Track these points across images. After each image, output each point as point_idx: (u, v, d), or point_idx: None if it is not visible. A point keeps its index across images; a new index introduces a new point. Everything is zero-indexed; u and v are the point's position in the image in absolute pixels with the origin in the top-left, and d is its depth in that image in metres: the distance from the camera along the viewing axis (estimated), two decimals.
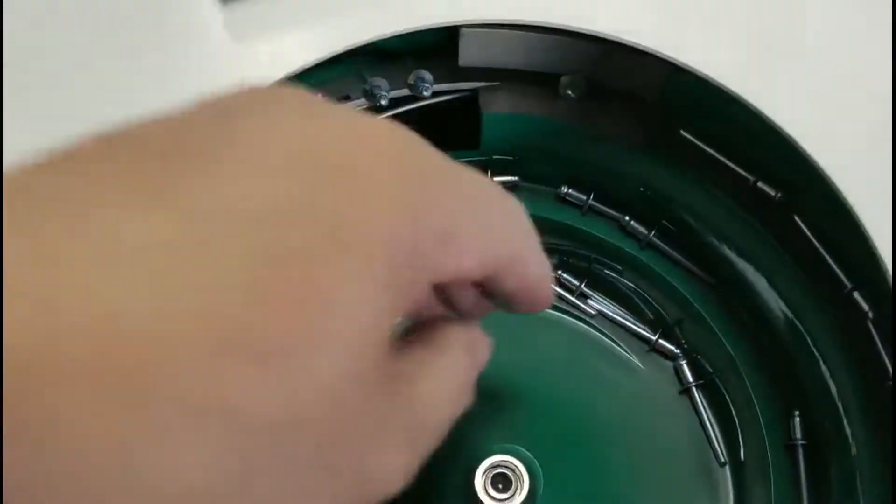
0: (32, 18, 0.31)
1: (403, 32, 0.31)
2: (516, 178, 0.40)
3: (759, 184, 0.34)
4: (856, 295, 0.32)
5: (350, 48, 0.30)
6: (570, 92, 0.36)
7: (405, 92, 0.37)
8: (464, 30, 0.33)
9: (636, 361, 0.39)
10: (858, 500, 0.32)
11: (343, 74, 0.35)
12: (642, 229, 0.39)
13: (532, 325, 0.39)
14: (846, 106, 0.31)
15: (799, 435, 0.35)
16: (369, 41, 0.30)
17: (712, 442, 0.38)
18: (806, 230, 0.34)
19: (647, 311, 0.40)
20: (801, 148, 0.30)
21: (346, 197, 0.14)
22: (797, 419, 0.35)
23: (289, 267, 0.13)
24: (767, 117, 0.30)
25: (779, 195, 0.34)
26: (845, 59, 0.31)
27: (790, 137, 0.30)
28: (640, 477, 0.37)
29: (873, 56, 0.31)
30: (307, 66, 0.31)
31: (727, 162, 0.35)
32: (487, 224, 0.18)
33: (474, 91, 0.37)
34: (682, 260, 0.39)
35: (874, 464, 0.32)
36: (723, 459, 0.37)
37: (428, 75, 0.36)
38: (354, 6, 0.31)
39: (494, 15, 0.31)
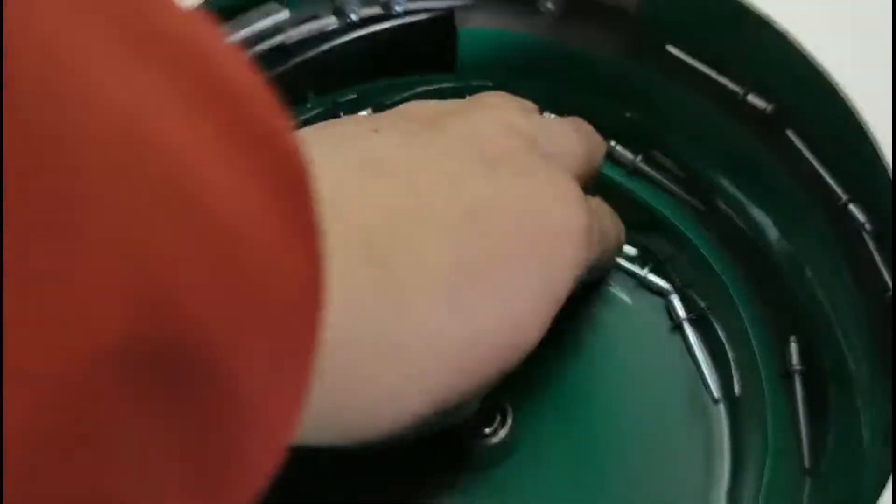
0: None
1: None
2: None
3: (750, 97, 0.33)
4: (851, 207, 0.30)
5: None
6: (549, 5, 0.34)
7: (377, 11, 0.35)
8: None
9: (624, 297, 0.38)
10: (860, 427, 0.31)
11: None
12: (628, 154, 0.37)
13: None
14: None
15: (795, 362, 0.33)
16: None
17: (705, 378, 0.36)
18: (799, 144, 0.32)
19: (634, 242, 0.38)
20: (797, 44, 0.29)
21: None
22: (793, 345, 0.34)
23: None
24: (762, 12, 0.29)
25: (770, 107, 0.32)
26: None
27: (785, 32, 0.29)
28: (631, 417, 0.35)
29: None
30: None
31: (716, 76, 0.33)
32: None
33: (449, 9, 0.35)
34: (671, 186, 0.37)
35: (875, 386, 0.30)
36: (716, 396, 0.35)
37: None
38: None
39: None
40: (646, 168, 0.37)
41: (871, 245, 0.30)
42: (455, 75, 0.37)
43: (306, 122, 0.36)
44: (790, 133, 0.32)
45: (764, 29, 0.29)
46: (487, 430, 0.33)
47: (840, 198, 0.31)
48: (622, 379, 0.36)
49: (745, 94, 0.33)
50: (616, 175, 0.37)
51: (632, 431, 0.35)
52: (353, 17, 0.34)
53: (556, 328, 0.36)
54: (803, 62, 0.29)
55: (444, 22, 0.35)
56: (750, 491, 0.33)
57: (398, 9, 0.34)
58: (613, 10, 0.34)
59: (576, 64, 0.36)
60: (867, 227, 0.30)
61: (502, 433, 0.33)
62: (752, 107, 0.33)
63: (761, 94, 0.32)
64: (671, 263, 0.37)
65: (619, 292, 0.38)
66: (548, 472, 0.34)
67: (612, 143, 0.37)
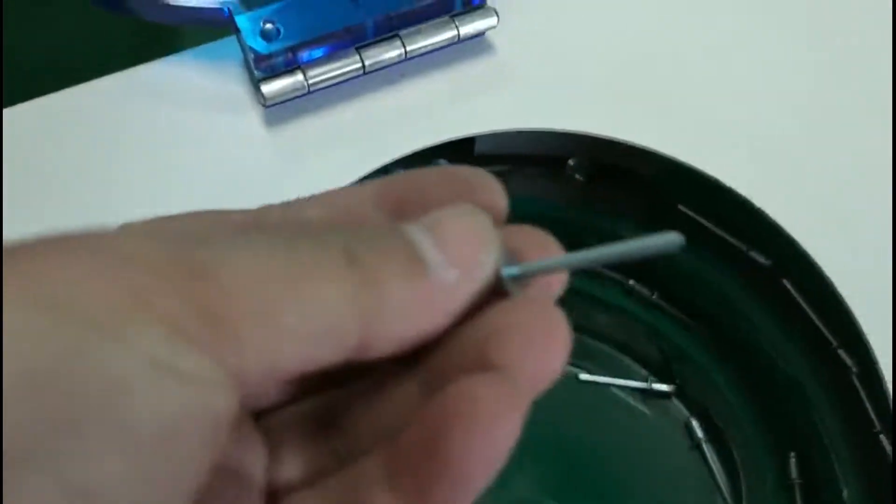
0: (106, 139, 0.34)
1: (425, 148, 0.34)
2: None
3: (752, 252, 0.38)
4: (841, 352, 0.36)
5: (382, 165, 0.34)
6: (576, 175, 0.40)
7: None
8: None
9: (651, 417, 0.43)
10: None
11: None
12: (646, 291, 0.43)
13: (555, 385, 0.43)
14: (820, 190, 0.35)
15: (795, 475, 0.39)
16: (399, 157, 0.34)
17: (722, 491, 0.42)
18: (794, 293, 0.38)
19: (658, 370, 0.44)
20: (782, 229, 0.34)
21: None
22: (792, 460, 0.39)
23: None
24: (753, 204, 0.34)
25: (769, 262, 0.38)
26: (820, 153, 0.36)
27: (774, 222, 0.34)
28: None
29: (852, 157, 0.36)
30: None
31: (722, 233, 0.39)
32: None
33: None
34: (687, 320, 0.42)
35: (863, 501, 0.36)
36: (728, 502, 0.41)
37: (445, 164, 0.40)
38: (380, 130, 0.34)
39: (507, 125, 0.35)
40: (662, 303, 0.43)
41: (859, 385, 0.35)
42: None
43: None
44: (787, 283, 0.38)
45: (745, 204, 0.35)
46: None
47: (831, 343, 0.36)
48: (652, 490, 0.41)
49: (748, 251, 0.38)
50: (635, 308, 0.43)
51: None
52: None
53: (592, 447, 0.42)
54: (788, 244, 0.34)
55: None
56: None
57: None
58: (633, 174, 0.40)
59: (597, 218, 0.41)
60: (854, 370, 0.36)
61: None
62: (754, 261, 0.38)
63: (760, 252, 0.38)
64: (690, 387, 0.43)
65: (647, 412, 0.43)
66: None
67: (631, 281, 0.43)
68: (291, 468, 0.18)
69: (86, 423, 0.12)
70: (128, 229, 0.16)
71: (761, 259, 0.38)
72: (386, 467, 0.16)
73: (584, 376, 0.44)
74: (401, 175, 0.18)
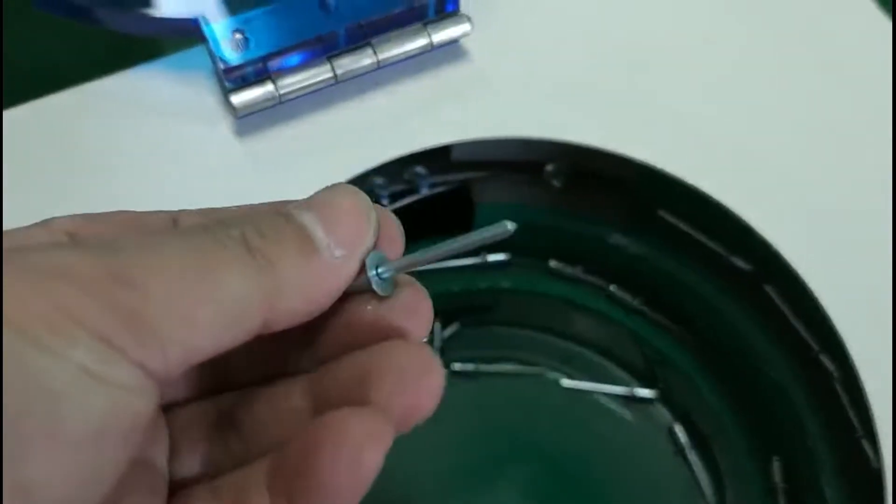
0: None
1: (400, 157, 0.34)
2: (508, 255, 0.43)
3: (732, 258, 0.38)
4: (822, 357, 0.36)
5: (357, 175, 0.33)
6: (554, 181, 0.40)
7: (403, 186, 0.40)
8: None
9: (634, 424, 0.43)
10: None
11: None
12: (627, 297, 0.42)
13: (536, 389, 0.43)
14: (799, 198, 0.35)
15: (778, 479, 0.39)
16: (373, 167, 0.33)
17: (706, 497, 0.41)
18: (775, 299, 0.37)
19: (641, 375, 0.44)
20: (761, 235, 0.34)
21: None
22: (776, 464, 0.39)
23: None
24: (732, 211, 0.34)
25: (750, 268, 0.38)
26: (798, 161, 0.35)
27: (754, 229, 0.34)
28: None
29: (831, 165, 0.35)
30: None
31: (702, 239, 0.39)
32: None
33: (466, 182, 0.40)
34: (670, 325, 0.42)
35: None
36: None
37: (424, 171, 0.40)
38: (354, 140, 0.34)
39: (484, 132, 0.35)
40: (644, 308, 0.42)
41: (840, 390, 0.35)
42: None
43: None
44: (768, 289, 0.38)
45: (724, 212, 0.34)
46: None
47: (813, 348, 0.36)
48: (636, 496, 0.41)
49: (729, 256, 0.38)
50: (616, 314, 0.43)
51: None
52: (384, 201, 0.39)
53: (576, 453, 0.42)
54: (767, 251, 0.34)
55: (462, 192, 0.40)
56: None
57: (424, 189, 0.39)
58: (612, 181, 0.39)
59: (577, 224, 0.41)
60: (835, 375, 0.35)
61: None
62: (735, 266, 0.38)
63: (741, 257, 0.38)
64: (673, 393, 0.43)
65: (630, 418, 0.43)
66: None
67: (612, 286, 0.42)
68: (190, 463, 0.20)
69: (25, 427, 0.14)
70: (51, 229, 0.18)
71: (742, 264, 0.38)
72: (269, 475, 0.18)
73: (566, 382, 0.44)
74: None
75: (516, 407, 0.44)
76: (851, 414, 0.35)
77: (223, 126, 0.34)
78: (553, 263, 0.43)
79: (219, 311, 0.16)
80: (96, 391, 0.14)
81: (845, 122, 0.36)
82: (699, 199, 0.35)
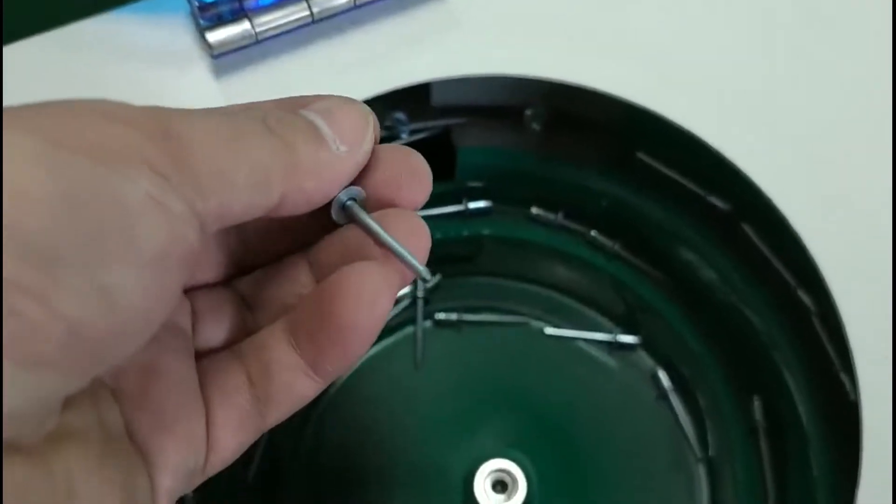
0: None
1: (384, 93, 0.34)
2: (489, 202, 0.43)
3: (711, 197, 0.38)
4: (800, 293, 0.36)
5: None
6: (534, 124, 0.40)
7: (384, 133, 0.40)
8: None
9: (618, 370, 0.44)
10: (811, 470, 0.37)
11: None
12: (608, 241, 0.43)
13: (519, 337, 0.44)
14: (779, 132, 0.35)
15: (759, 418, 0.39)
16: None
17: (689, 440, 0.42)
18: (753, 237, 0.38)
19: (623, 321, 0.44)
20: (741, 170, 0.34)
21: None
22: (756, 403, 0.40)
23: None
24: (711, 147, 0.34)
25: (728, 207, 0.38)
26: (779, 97, 0.35)
27: (731, 162, 0.34)
28: (627, 473, 0.41)
29: (808, 97, 0.35)
30: None
31: (681, 179, 0.39)
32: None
33: (447, 127, 0.40)
34: (649, 269, 0.42)
35: (823, 435, 0.36)
36: (699, 455, 0.41)
37: (404, 117, 0.40)
38: (331, 79, 0.34)
39: (461, 71, 0.35)
40: (624, 253, 0.42)
41: (818, 325, 0.36)
42: (458, 181, 0.42)
43: None
44: (746, 227, 0.38)
45: (705, 149, 0.35)
46: (501, 498, 0.39)
47: (791, 284, 0.37)
48: (620, 441, 0.42)
49: (707, 196, 0.38)
50: (597, 260, 0.43)
51: (629, 480, 0.41)
52: None
53: (557, 395, 0.42)
54: (747, 186, 0.34)
55: (443, 138, 0.40)
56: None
57: (404, 134, 0.39)
58: (590, 124, 0.39)
59: (558, 169, 0.41)
60: (813, 310, 0.36)
61: (515, 499, 0.39)
62: (713, 206, 0.38)
63: (719, 196, 0.38)
64: (655, 338, 0.43)
65: (614, 365, 0.44)
66: None
67: (593, 232, 0.43)
68: (211, 335, 0.22)
69: (106, 238, 0.15)
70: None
71: (721, 204, 0.38)
72: (288, 331, 0.21)
73: (549, 330, 0.44)
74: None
75: (500, 355, 0.44)
76: (829, 348, 0.35)
77: (201, 67, 0.34)
78: (534, 210, 0.43)
79: (249, 173, 0.18)
80: (161, 217, 0.16)
81: (828, 55, 0.36)
82: (678, 136, 0.35)
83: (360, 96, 0.34)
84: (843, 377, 0.34)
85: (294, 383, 0.21)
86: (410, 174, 0.22)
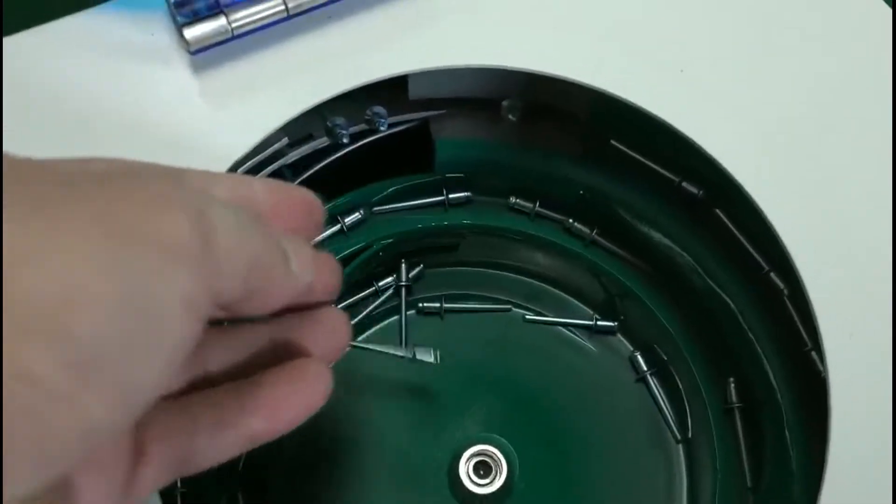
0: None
1: (361, 85, 0.34)
2: (468, 193, 0.44)
3: (684, 184, 0.39)
4: (772, 275, 0.37)
5: (316, 104, 0.34)
6: (510, 116, 0.40)
7: (363, 126, 0.41)
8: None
9: (598, 354, 0.45)
10: (788, 449, 0.37)
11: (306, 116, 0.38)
12: (585, 229, 0.43)
13: (500, 325, 0.44)
14: (749, 119, 0.36)
15: (734, 399, 0.40)
16: (333, 96, 0.34)
17: (668, 422, 0.43)
18: (727, 221, 0.38)
19: (601, 306, 0.45)
20: (711, 156, 0.35)
21: None
22: (732, 385, 0.41)
23: None
24: (683, 133, 0.35)
25: (701, 193, 0.39)
26: (748, 84, 0.36)
27: (702, 149, 0.35)
28: (608, 455, 0.42)
29: (773, 81, 0.36)
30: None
31: (654, 166, 0.40)
32: None
33: (425, 120, 0.41)
34: (627, 256, 0.43)
35: (798, 415, 0.37)
36: (679, 437, 0.42)
37: (382, 110, 0.40)
38: (308, 73, 0.35)
39: (438, 63, 0.35)
40: (602, 240, 0.43)
41: (791, 306, 0.36)
42: (437, 173, 0.43)
43: None
44: (719, 212, 0.39)
45: (677, 136, 0.35)
46: (485, 481, 0.40)
47: (763, 267, 0.37)
48: (601, 423, 0.43)
49: (680, 182, 0.39)
50: (575, 246, 0.44)
51: (609, 463, 0.42)
52: (345, 139, 0.39)
53: (539, 379, 0.43)
54: (717, 171, 0.35)
55: (421, 131, 0.41)
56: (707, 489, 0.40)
57: (382, 127, 0.40)
58: (565, 115, 0.40)
59: (535, 159, 0.42)
60: (786, 292, 0.36)
61: (499, 482, 0.40)
62: (687, 191, 0.39)
63: (692, 182, 0.39)
64: (634, 322, 0.44)
65: (593, 350, 0.44)
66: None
67: (571, 220, 0.43)
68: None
69: (139, 339, 0.15)
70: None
71: (693, 190, 0.39)
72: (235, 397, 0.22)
73: (529, 317, 0.45)
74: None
75: (483, 342, 0.45)
76: (801, 328, 0.36)
77: (180, 64, 0.35)
78: (513, 199, 0.44)
79: (256, 273, 0.19)
80: (189, 316, 0.17)
81: (798, 42, 0.37)
82: (650, 124, 0.36)
83: (337, 90, 0.34)
84: (815, 356, 0.35)
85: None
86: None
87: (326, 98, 0.34)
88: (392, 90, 0.39)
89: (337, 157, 0.40)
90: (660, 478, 0.42)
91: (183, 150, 0.34)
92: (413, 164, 0.42)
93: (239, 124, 0.34)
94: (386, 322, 0.45)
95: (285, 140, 0.38)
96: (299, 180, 0.40)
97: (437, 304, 0.45)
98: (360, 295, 0.45)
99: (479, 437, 0.41)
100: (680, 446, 0.42)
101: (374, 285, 0.45)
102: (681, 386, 0.42)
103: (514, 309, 0.45)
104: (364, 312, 0.44)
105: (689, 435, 0.42)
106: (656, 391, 0.43)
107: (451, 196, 0.43)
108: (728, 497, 0.39)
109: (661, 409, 0.43)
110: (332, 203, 0.42)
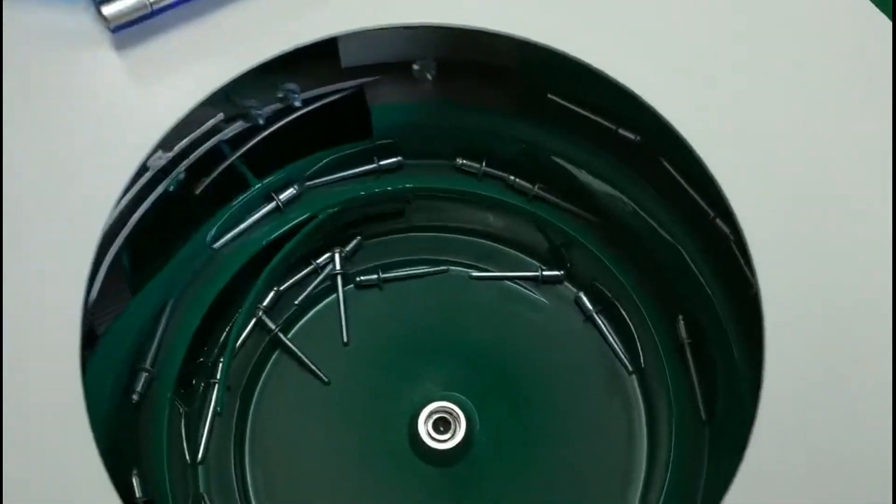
0: None
1: (289, 50, 0.34)
2: (399, 158, 0.43)
3: (621, 130, 0.39)
4: (718, 221, 0.37)
5: (241, 73, 0.33)
6: (427, 75, 0.40)
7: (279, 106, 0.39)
8: (341, 37, 0.35)
9: (546, 301, 0.45)
10: (738, 382, 0.38)
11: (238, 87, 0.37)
12: (527, 184, 0.43)
13: (448, 288, 0.45)
14: (684, 65, 0.36)
15: (684, 335, 0.41)
16: (255, 65, 0.33)
17: (619, 356, 0.44)
18: (669, 167, 0.39)
19: (545, 255, 0.45)
20: (643, 100, 0.35)
21: None
22: (681, 322, 0.41)
23: None
24: (614, 79, 0.34)
25: (638, 138, 0.39)
26: (687, 32, 0.36)
27: (634, 93, 0.34)
28: (566, 395, 0.43)
29: (712, 31, 0.36)
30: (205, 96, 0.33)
31: (591, 116, 0.40)
32: None
33: (359, 87, 0.40)
34: (569, 206, 0.44)
35: (746, 350, 0.38)
36: (630, 368, 0.43)
37: (294, 86, 0.39)
38: (231, 42, 0.34)
39: (367, 23, 0.34)
40: (543, 194, 0.43)
41: (737, 251, 0.37)
42: (370, 140, 0.42)
43: (250, 204, 0.41)
44: (663, 161, 0.39)
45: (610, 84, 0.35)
46: (444, 437, 0.40)
47: (709, 214, 0.38)
48: (555, 368, 0.43)
49: (617, 129, 0.39)
50: (519, 202, 0.44)
51: (568, 406, 0.43)
52: (258, 112, 0.38)
53: (493, 334, 0.43)
54: (651, 115, 0.34)
55: (359, 101, 0.40)
56: (663, 442, 0.41)
57: (296, 103, 0.39)
58: (499, 69, 0.39)
59: (472, 118, 0.41)
60: (732, 238, 0.37)
61: (458, 437, 0.40)
62: (624, 138, 0.39)
63: (629, 129, 0.39)
64: (580, 269, 0.44)
65: (542, 301, 0.45)
66: (503, 457, 0.41)
67: (512, 177, 0.43)
68: None
69: None
70: None
71: (630, 136, 0.39)
72: None
73: (475, 275, 0.45)
74: None
75: (429, 306, 0.45)
76: (746, 272, 0.37)
77: (101, 42, 0.33)
78: (459, 161, 0.43)
79: None
80: None
81: None
82: (585, 74, 0.35)
83: (261, 58, 0.33)
84: (760, 295, 0.36)
85: None
86: None
87: (256, 63, 0.33)
88: (315, 48, 0.38)
89: (273, 131, 0.39)
90: (617, 411, 0.43)
91: (108, 128, 0.33)
92: (353, 133, 0.41)
93: (166, 99, 0.33)
94: (327, 300, 0.45)
95: (220, 116, 0.37)
96: (237, 154, 0.39)
97: (375, 276, 0.45)
98: (300, 275, 0.45)
99: (437, 395, 0.42)
100: (634, 378, 0.43)
101: (311, 263, 0.45)
102: (630, 322, 0.43)
103: (456, 268, 0.45)
104: (304, 294, 0.44)
105: (642, 364, 0.42)
106: (604, 327, 0.43)
107: (382, 163, 0.43)
108: (684, 427, 0.40)
109: (609, 344, 0.43)
110: (266, 180, 0.41)
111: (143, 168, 0.33)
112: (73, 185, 0.31)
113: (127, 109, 0.33)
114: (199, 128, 0.36)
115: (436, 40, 0.38)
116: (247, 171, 0.40)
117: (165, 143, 0.33)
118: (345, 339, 0.44)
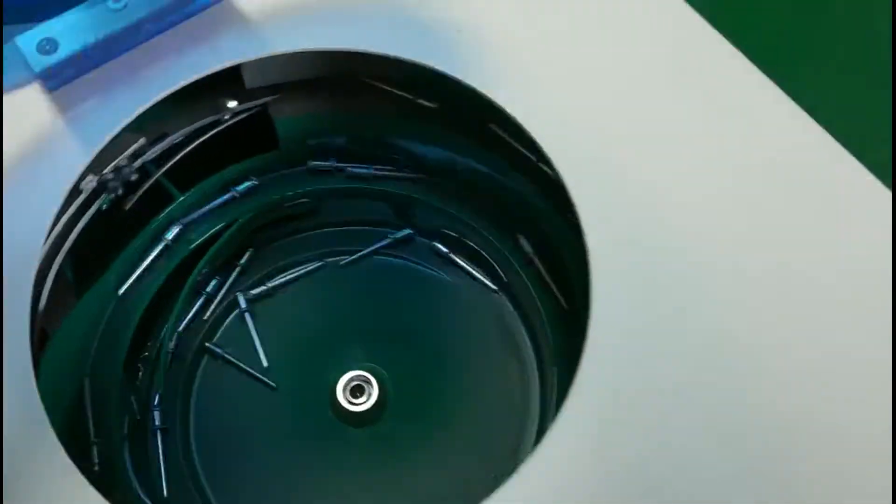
0: None
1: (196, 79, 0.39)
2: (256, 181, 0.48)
3: (419, 100, 0.45)
4: (541, 166, 0.42)
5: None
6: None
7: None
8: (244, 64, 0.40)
9: (408, 265, 0.51)
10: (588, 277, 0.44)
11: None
12: (362, 169, 0.49)
13: (330, 279, 0.51)
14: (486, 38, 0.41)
15: (529, 250, 0.48)
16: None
17: (481, 280, 0.50)
18: (498, 131, 0.44)
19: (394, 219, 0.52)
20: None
21: None
22: (523, 240, 0.48)
23: None
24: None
25: (436, 105, 0.45)
26: None
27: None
28: (453, 334, 0.50)
29: None
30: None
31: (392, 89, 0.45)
32: None
33: (264, 105, 0.45)
34: (403, 174, 0.49)
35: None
36: (494, 287, 0.50)
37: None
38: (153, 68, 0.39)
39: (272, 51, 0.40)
40: (378, 173, 0.49)
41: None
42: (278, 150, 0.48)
43: (175, 213, 0.46)
44: (493, 127, 0.44)
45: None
46: (360, 401, 0.47)
47: (530, 159, 0.43)
48: (446, 323, 0.50)
49: (416, 98, 0.45)
50: (361, 185, 0.49)
51: (460, 349, 0.49)
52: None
53: (382, 312, 0.50)
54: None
55: (263, 117, 0.46)
56: (544, 339, 0.48)
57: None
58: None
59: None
60: (550, 173, 0.41)
61: (372, 400, 0.47)
62: (422, 105, 0.45)
63: (426, 98, 0.45)
64: (428, 225, 0.51)
65: (408, 265, 0.51)
66: (415, 413, 0.48)
67: (349, 167, 0.49)
68: None
69: None
70: None
71: (428, 104, 0.45)
72: None
73: (343, 262, 0.51)
74: None
75: (321, 299, 0.51)
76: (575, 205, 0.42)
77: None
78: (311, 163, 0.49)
79: None
80: None
81: None
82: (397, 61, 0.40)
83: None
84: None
85: None
86: None
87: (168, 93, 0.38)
88: (221, 76, 0.41)
89: (189, 150, 0.44)
90: (495, 328, 0.49)
91: (32, 161, 0.37)
92: (261, 146, 0.47)
93: (85, 133, 0.38)
94: (231, 318, 0.50)
95: (143, 140, 0.42)
96: (161, 172, 0.44)
97: (265, 287, 0.50)
98: (195, 309, 0.50)
99: (352, 367, 0.47)
100: (503, 296, 0.50)
101: (202, 293, 0.49)
102: (482, 251, 0.49)
103: (329, 260, 0.51)
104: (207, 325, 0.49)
105: (505, 280, 0.49)
106: (462, 263, 0.50)
107: (238, 188, 0.48)
108: (548, 322, 0.47)
109: (470, 274, 0.50)
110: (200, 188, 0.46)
111: (77, 190, 0.38)
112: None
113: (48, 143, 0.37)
114: (124, 151, 0.41)
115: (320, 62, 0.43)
116: (171, 187, 0.45)
117: (94, 167, 0.38)
118: (264, 364, 0.49)
